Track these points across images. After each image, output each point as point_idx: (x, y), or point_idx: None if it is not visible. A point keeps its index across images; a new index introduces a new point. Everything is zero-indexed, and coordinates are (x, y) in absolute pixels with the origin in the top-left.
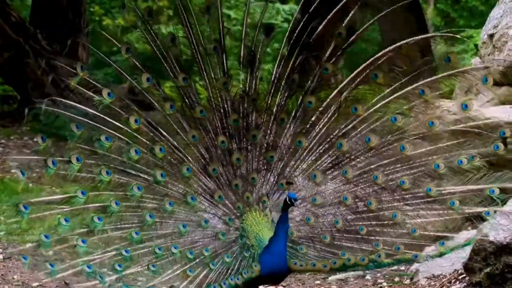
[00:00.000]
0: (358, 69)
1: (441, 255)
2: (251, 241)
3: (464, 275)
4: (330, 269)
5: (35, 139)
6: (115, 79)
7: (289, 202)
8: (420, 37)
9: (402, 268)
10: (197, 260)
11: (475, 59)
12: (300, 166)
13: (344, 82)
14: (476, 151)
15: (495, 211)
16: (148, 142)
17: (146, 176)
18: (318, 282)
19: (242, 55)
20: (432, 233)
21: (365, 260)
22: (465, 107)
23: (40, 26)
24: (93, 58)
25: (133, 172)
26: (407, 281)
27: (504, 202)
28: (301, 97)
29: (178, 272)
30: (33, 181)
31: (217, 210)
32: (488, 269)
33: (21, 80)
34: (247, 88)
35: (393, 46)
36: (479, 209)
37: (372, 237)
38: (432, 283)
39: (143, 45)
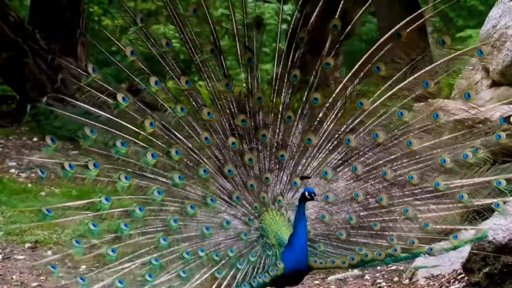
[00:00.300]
0: (360, 62)
1: (455, 248)
2: (271, 241)
3: (463, 275)
4: (349, 265)
5: (47, 140)
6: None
7: (308, 197)
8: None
9: (401, 268)
10: (223, 262)
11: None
12: (311, 164)
13: (348, 76)
14: (479, 141)
15: (504, 202)
16: (163, 145)
17: (164, 180)
18: (317, 282)
19: (239, 53)
20: (444, 227)
21: (382, 254)
22: (468, 96)
23: (39, 26)
24: (92, 58)
25: (152, 176)
26: (406, 281)
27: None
28: (306, 94)
29: (206, 276)
30: (32, 181)
31: (236, 211)
32: (487, 269)
33: (20, 80)
34: (250, 87)
35: (391, 31)
36: (488, 201)
37: (386, 232)
38: (431, 283)
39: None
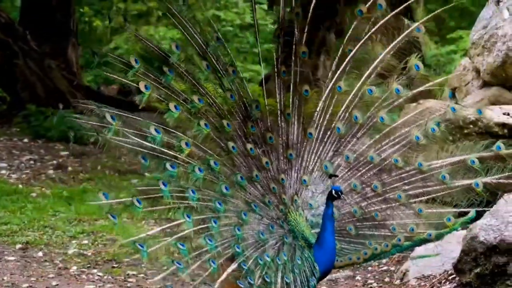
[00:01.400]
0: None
1: (451, 231)
2: (301, 242)
3: (454, 276)
4: (364, 260)
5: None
6: (105, 81)
7: (335, 195)
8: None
9: (392, 268)
10: (281, 268)
11: (464, 60)
12: (313, 159)
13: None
14: (438, 115)
15: (483, 183)
16: (201, 158)
17: (214, 193)
18: None
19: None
20: (435, 211)
21: (388, 245)
22: (453, 110)
23: (29, 27)
24: (83, 60)
25: (207, 192)
26: (397, 282)
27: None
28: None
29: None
30: (22, 182)
31: (272, 215)
32: (478, 270)
33: (11, 81)
34: (241, 94)
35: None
36: (467, 181)
37: (388, 222)
38: (422, 284)
39: (132, 46)
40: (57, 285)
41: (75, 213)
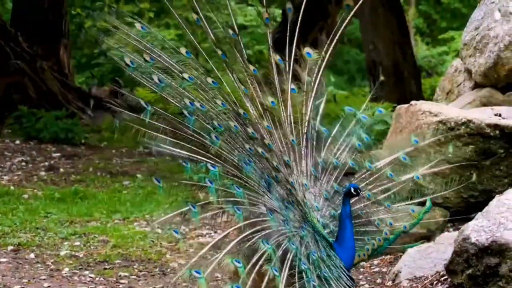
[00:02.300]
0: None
1: (418, 221)
2: (323, 241)
3: (446, 277)
4: (368, 256)
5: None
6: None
7: (354, 193)
8: None
9: (384, 269)
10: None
11: (456, 61)
12: (304, 163)
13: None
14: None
15: (422, 175)
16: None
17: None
18: None
19: None
20: (398, 205)
21: (381, 240)
22: (416, 142)
23: (21, 28)
24: (74, 62)
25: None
26: (389, 283)
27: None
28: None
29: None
30: (14, 183)
31: (297, 215)
32: (470, 271)
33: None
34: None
35: None
36: (410, 175)
37: (371, 218)
38: (414, 285)
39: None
40: (49, 286)
41: (67, 215)
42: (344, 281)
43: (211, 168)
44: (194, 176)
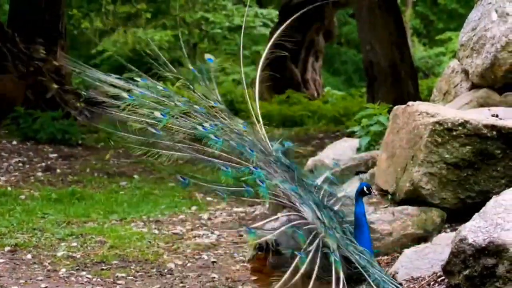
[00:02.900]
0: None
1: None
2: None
3: (443, 278)
4: None
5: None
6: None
7: (366, 192)
8: None
9: None
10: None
11: (453, 62)
12: None
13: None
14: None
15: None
16: None
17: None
18: None
19: None
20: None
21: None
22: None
23: (18, 29)
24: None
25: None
26: None
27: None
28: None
29: None
30: (11, 184)
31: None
32: (467, 271)
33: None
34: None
35: None
36: (325, 175)
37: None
38: (411, 286)
39: (120, 49)
40: (46, 287)
41: (64, 215)
42: (378, 268)
43: (254, 170)
44: (241, 179)
